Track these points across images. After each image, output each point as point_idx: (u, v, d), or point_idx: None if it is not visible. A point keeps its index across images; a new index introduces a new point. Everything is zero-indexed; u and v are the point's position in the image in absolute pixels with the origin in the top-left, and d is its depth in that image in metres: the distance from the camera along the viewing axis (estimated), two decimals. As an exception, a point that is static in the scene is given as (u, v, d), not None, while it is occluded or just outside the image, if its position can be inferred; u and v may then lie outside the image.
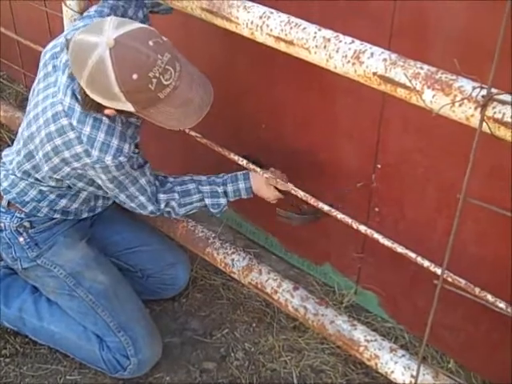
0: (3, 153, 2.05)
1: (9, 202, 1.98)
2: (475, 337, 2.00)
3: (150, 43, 1.52)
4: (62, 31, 2.08)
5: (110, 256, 2.18)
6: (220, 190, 1.97)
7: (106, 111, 1.66)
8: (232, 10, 1.57)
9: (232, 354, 2.19)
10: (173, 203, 1.95)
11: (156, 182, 1.94)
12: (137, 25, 1.57)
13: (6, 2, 2.70)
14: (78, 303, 2.04)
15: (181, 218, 2.15)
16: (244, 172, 1.98)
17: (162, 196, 1.94)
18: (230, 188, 1.97)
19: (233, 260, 2.03)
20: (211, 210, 1.99)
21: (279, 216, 2.03)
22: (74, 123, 1.71)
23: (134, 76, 1.51)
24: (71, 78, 1.68)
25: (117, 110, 1.64)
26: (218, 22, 1.63)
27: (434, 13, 1.64)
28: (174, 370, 2.15)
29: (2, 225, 2.00)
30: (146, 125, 1.80)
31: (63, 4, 2.06)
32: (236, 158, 1.80)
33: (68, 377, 2.12)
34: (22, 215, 1.98)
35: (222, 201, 1.98)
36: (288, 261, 2.49)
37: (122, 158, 1.73)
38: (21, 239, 2.00)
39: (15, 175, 1.94)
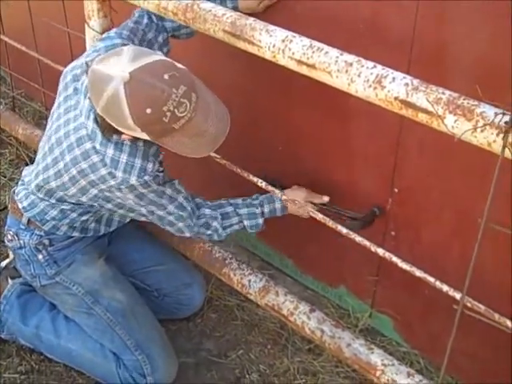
0: (23, 172, 2.07)
1: (29, 220, 1.99)
2: (493, 363, 1.98)
3: (166, 77, 1.53)
4: (84, 51, 2.12)
5: (127, 275, 2.19)
6: (258, 211, 2.01)
7: (124, 136, 1.68)
8: (254, 33, 1.59)
9: (247, 376, 2.18)
10: (215, 224, 1.98)
11: (196, 199, 1.98)
12: (153, 57, 1.58)
13: (28, 21, 2.73)
14: (96, 321, 2.05)
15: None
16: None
17: (207, 211, 1.98)
18: (266, 209, 2.01)
19: (249, 281, 2.04)
20: (249, 230, 2.03)
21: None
22: (97, 146, 1.73)
23: (148, 110, 1.53)
24: None
25: (133, 137, 1.67)
26: (240, 44, 1.64)
27: (452, 40, 1.66)
28: (189, 390, 2.14)
29: (22, 242, 2.02)
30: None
31: (86, 25, 2.09)
32: (255, 179, 1.81)
33: (83, 395, 2.12)
34: (42, 233, 1.99)
35: (260, 221, 2.02)
36: (302, 283, 2.49)
37: (146, 178, 1.74)
38: (40, 256, 2.01)
39: (36, 195, 1.95)
